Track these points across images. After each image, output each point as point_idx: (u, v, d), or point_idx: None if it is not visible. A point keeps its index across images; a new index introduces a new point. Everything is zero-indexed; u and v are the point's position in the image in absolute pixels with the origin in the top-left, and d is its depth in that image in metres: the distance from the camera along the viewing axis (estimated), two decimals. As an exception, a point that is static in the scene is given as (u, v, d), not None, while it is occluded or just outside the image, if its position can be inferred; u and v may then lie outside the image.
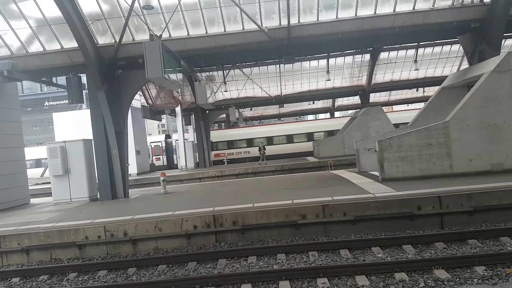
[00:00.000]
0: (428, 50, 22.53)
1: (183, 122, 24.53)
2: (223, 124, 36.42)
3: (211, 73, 20.44)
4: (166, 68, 8.31)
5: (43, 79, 12.29)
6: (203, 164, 24.57)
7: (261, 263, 6.13)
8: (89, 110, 22.31)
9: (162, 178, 12.36)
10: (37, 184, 23.20)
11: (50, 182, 12.59)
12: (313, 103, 30.66)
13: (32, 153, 25.54)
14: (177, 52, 10.37)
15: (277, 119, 37.15)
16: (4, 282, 6.51)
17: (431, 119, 11.37)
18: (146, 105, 23.14)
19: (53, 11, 10.51)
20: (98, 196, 12.07)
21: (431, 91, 27.46)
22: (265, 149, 23.91)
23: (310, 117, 42.85)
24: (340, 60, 22.61)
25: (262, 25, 11.14)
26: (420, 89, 28.03)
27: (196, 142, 25.19)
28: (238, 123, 29.51)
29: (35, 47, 11.62)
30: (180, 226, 7.51)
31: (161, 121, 33.60)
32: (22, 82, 13.41)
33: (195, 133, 25.69)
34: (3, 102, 12.17)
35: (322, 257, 6.16)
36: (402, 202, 7.29)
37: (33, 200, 13.49)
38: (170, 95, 23.28)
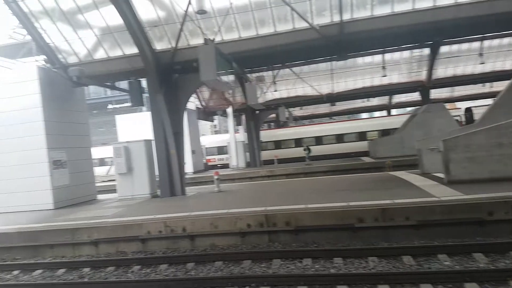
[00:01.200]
0: (496, 42, 20.90)
1: (234, 122, 25.00)
2: (272, 124, 36.52)
3: (261, 73, 20.65)
4: (218, 70, 8.56)
5: (107, 83, 13.22)
6: (253, 163, 24.87)
7: (317, 266, 6.09)
8: (149, 112, 23.58)
9: (216, 177, 12.73)
10: (103, 181, 24.87)
11: (114, 180, 13.49)
12: (368, 100, 29.70)
13: (97, 152, 27.38)
14: (229, 54, 10.63)
15: (328, 117, 36.50)
16: (77, 271, 7.09)
17: (502, 116, 10.52)
18: (200, 107, 23.90)
19: (116, 20, 11.24)
20: (159, 193, 12.70)
21: (499, 86, 25.47)
22: (310, 150, 23.61)
23: (364, 115, 41.58)
24: (397, 55, 21.56)
25: (313, 23, 11.03)
26: (487, 84, 26.10)
27: (246, 142, 25.59)
28: (288, 123, 29.46)
29: (99, 54, 12.51)
30: (235, 224, 7.70)
31: (213, 121, 34.47)
32: (89, 86, 14.43)
33: (245, 133, 26.10)
34: (73, 106, 13.24)
35: (383, 263, 5.93)
36: (471, 206, 6.80)
37: (99, 196, 14.48)
38: (222, 96, 23.85)
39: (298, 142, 28.77)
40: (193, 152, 23.82)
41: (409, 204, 7.25)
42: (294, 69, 21.04)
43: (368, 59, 21.74)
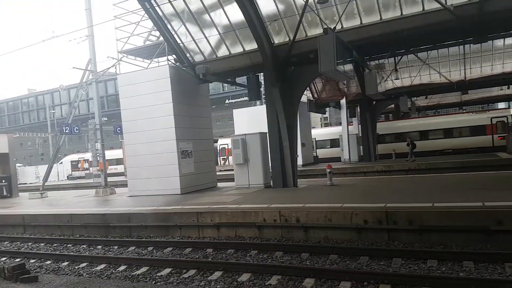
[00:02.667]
0: None
1: (348, 114, 24.21)
2: (390, 115, 34.26)
3: (380, 61, 19.46)
4: (338, 60, 8.35)
5: (228, 79, 14.08)
6: (367, 157, 23.78)
7: (443, 268, 5.56)
8: (261, 106, 24.39)
9: (328, 170, 12.54)
10: (220, 171, 26.79)
11: (228, 170, 14.30)
12: (508, 88, 25.60)
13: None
14: (348, 42, 10.28)
15: (458, 108, 32.59)
16: (201, 251, 7.75)
17: None
18: (311, 99, 23.78)
19: (237, 16, 11.85)
20: (271, 183, 13.10)
21: None
22: (414, 145, 21.39)
23: (501, 105, 36.06)
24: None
25: (446, 3, 9.91)
26: None
27: (360, 135, 24.57)
28: (410, 114, 27.24)
29: (222, 52, 13.38)
30: (350, 219, 7.48)
31: (325, 114, 34.02)
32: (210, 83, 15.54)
33: (359, 125, 25.07)
34: (199, 101, 14.48)
35: (524, 271, 5.14)
36: None
37: (219, 184, 15.57)
38: (335, 87, 23.31)
39: (423, 134, 26.28)
40: (303, 144, 23.87)
41: None
42: (420, 54, 19.21)
43: (509, 40, 18.69)
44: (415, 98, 26.96)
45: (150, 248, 8.30)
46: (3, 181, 18.39)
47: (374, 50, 12.19)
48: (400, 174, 17.79)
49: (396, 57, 19.33)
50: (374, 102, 23.47)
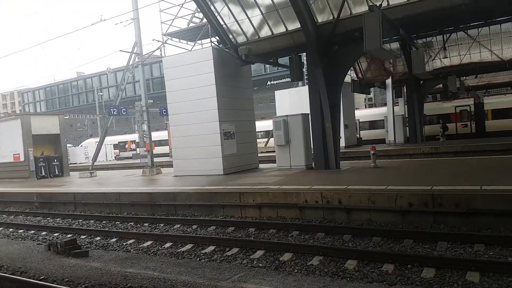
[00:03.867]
0: None
1: (393, 94, 23.31)
2: (438, 95, 32.56)
3: (428, 39, 18.42)
4: (384, 38, 8.04)
5: (270, 60, 13.99)
6: (414, 139, 22.90)
7: (490, 253, 5.37)
8: (303, 87, 24.07)
9: (372, 152, 12.28)
10: (261, 152, 26.96)
11: (269, 151, 14.35)
12: None
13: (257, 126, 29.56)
14: (395, 20, 9.82)
15: (510, 87, 30.37)
16: (244, 230, 7.93)
17: None
18: (355, 79, 23.11)
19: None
20: (313, 165, 13.06)
21: None
22: (446, 128, 20.19)
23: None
24: None
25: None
26: None
27: (406, 116, 23.62)
28: (458, 94, 25.75)
29: (264, 32, 13.26)
30: (394, 202, 7.33)
31: (369, 94, 32.99)
32: (251, 64, 15.52)
33: (406, 105, 24.09)
34: (241, 83, 14.55)
35: None
36: None
37: (260, 166, 15.70)
38: (381, 66, 22.44)
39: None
40: (346, 126, 23.40)
41: None
42: (470, 31, 18.00)
43: None
44: (464, 77, 25.39)
45: (194, 226, 8.60)
46: (55, 160, 19.55)
47: (422, 27, 11.57)
48: (447, 157, 17.03)
49: (444, 35, 18.23)
50: (421, 82, 22.39)
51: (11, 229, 10.06)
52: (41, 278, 5.81)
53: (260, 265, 5.78)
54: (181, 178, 13.70)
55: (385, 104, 25.11)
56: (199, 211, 9.80)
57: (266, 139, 29.77)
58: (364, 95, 43.38)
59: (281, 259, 5.90)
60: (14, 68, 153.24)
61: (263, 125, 29.65)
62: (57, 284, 5.34)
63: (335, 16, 11.24)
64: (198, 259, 6.37)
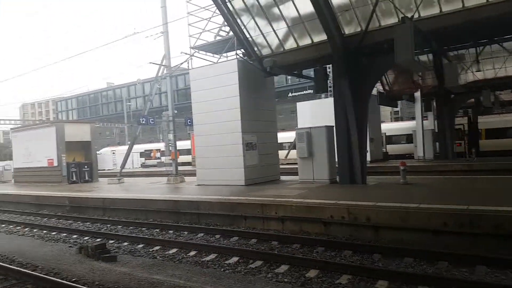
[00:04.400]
0: None
1: (422, 108, 22.66)
2: (469, 110, 31.49)
3: (460, 51, 17.89)
4: (415, 50, 7.79)
5: (294, 72, 13.90)
6: (444, 155, 22.10)
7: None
8: (326, 99, 23.82)
9: (402, 168, 11.85)
10: (281, 164, 26.68)
11: (291, 163, 14.10)
12: None
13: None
14: (426, 32, 9.55)
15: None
16: (266, 243, 7.74)
17: None
18: (382, 91, 22.67)
19: (306, 9, 11.62)
20: (338, 179, 12.74)
21: None
22: (475, 144, 19.26)
23: None
24: None
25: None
26: None
27: (436, 130, 22.87)
28: (493, 109, 24.78)
29: (289, 44, 13.25)
30: (427, 221, 6.98)
31: (396, 107, 32.25)
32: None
33: (435, 120, 23.35)
34: (264, 94, 14.52)
35: None
36: None
37: (282, 178, 15.46)
38: (409, 79, 21.93)
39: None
40: (371, 140, 22.87)
41: None
42: (505, 44, 17.32)
43: None
44: (499, 92, 24.46)
45: (217, 236, 8.53)
46: (86, 166, 20.16)
47: (454, 40, 11.19)
48: (482, 175, 16.24)
49: (477, 47, 17.65)
50: (452, 96, 21.71)
51: (44, 231, 10.39)
52: (73, 280, 5.94)
53: (286, 280, 5.60)
54: (204, 187, 13.69)
55: (412, 118, 24.47)
56: (221, 221, 9.71)
57: (286, 151, 29.52)
58: (390, 108, 42.53)
59: (307, 276, 5.68)
60: (50, 78, 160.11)
61: (283, 136, 29.47)
62: (88, 287, 5.39)
63: (363, 28, 11.05)
64: (222, 270, 6.29)
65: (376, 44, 11.02)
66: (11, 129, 26.88)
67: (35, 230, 10.64)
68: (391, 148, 27.55)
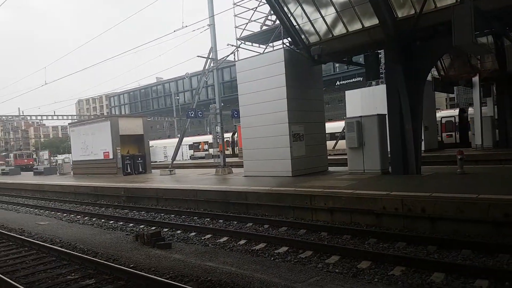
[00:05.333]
0: None
1: (481, 93, 21.18)
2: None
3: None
4: (475, 32, 7.28)
5: (343, 59, 13.54)
6: (504, 143, 20.59)
7: None
8: (377, 86, 22.98)
9: (459, 157, 11.23)
10: (329, 155, 26.25)
11: (339, 154, 13.81)
12: None
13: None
14: (486, 12, 8.86)
15: None
16: (316, 234, 7.71)
17: None
18: (437, 76, 21.45)
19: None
20: (390, 170, 12.33)
21: None
22: None
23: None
24: None
25: None
26: None
27: (496, 117, 21.31)
28: None
29: (338, 30, 12.86)
30: (486, 212, 6.58)
31: (452, 93, 30.43)
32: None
33: (495, 106, 21.75)
34: (311, 83, 14.28)
35: None
36: None
37: (330, 168, 15.26)
38: (467, 63, 20.54)
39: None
40: (426, 128, 21.78)
41: None
42: None
43: None
44: None
45: (266, 226, 8.64)
46: (139, 159, 21.19)
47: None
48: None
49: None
50: (515, 80, 20.06)
51: (103, 220, 11.07)
52: (131, 266, 6.29)
53: (337, 270, 5.56)
54: (251, 178, 13.86)
55: (470, 104, 22.99)
56: (269, 211, 9.81)
57: (334, 142, 29.01)
58: (445, 95, 40.30)
59: (359, 267, 5.60)
60: (104, 75, 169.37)
61: (330, 126, 28.93)
62: (145, 273, 5.71)
63: (417, 10, 10.49)
64: (272, 258, 6.37)
65: (432, 27, 10.44)
66: (69, 124, 28.67)
67: (94, 219, 11.33)
68: (451, 136, 26.24)
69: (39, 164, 45.98)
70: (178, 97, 61.77)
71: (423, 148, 21.39)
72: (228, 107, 28.53)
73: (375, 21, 11.23)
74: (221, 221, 9.61)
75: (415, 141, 11.33)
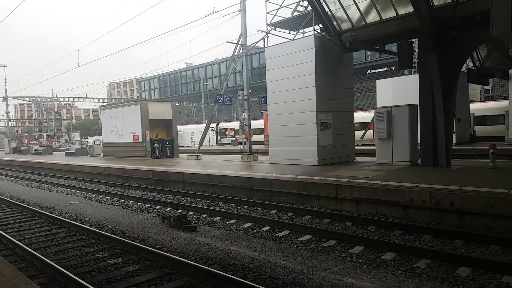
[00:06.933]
0: None
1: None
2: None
3: None
4: (517, 20, 6.91)
5: (376, 47, 13.22)
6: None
7: None
8: (409, 76, 22.33)
9: (491, 151, 10.87)
10: (357, 144, 25.88)
11: (367, 144, 13.59)
12: None
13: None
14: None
15: None
16: (340, 223, 7.73)
17: None
18: (472, 68, 20.60)
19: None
20: (419, 161, 12.08)
21: None
22: None
23: None
24: None
25: None
26: None
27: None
28: None
29: (371, 17, 12.53)
30: (518, 208, 6.39)
31: (487, 85, 29.16)
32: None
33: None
34: (341, 71, 14.08)
35: None
36: None
37: (357, 159, 15.09)
38: (504, 54, 19.57)
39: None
40: (458, 120, 21.06)
41: None
42: None
43: None
44: None
45: (290, 214, 8.71)
46: (167, 143, 21.61)
47: None
48: None
49: None
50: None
51: (131, 201, 11.44)
52: (157, 247, 6.52)
53: (360, 260, 5.58)
54: (277, 165, 13.92)
55: (506, 97, 21.99)
56: (294, 199, 9.86)
57: (362, 131, 28.59)
58: (480, 87, 38.58)
59: (383, 258, 5.60)
60: (136, 59, 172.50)
61: (359, 116, 28.46)
62: (171, 254, 5.91)
63: (455, -1, 10.08)
64: (295, 246, 6.43)
65: (469, 16, 10.02)
66: (100, 106, 29.49)
67: (122, 200, 11.71)
68: (481, 130, 25.26)
69: (71, 145, 47.67)
70: (206, 83, 62.22)
71: (454, 141, 20.79)
72: (255, 94, 28.54)
73: (409, 9, 10.87)
74: (245, 207, 9.75)
75: (446, 133, 11.03)
